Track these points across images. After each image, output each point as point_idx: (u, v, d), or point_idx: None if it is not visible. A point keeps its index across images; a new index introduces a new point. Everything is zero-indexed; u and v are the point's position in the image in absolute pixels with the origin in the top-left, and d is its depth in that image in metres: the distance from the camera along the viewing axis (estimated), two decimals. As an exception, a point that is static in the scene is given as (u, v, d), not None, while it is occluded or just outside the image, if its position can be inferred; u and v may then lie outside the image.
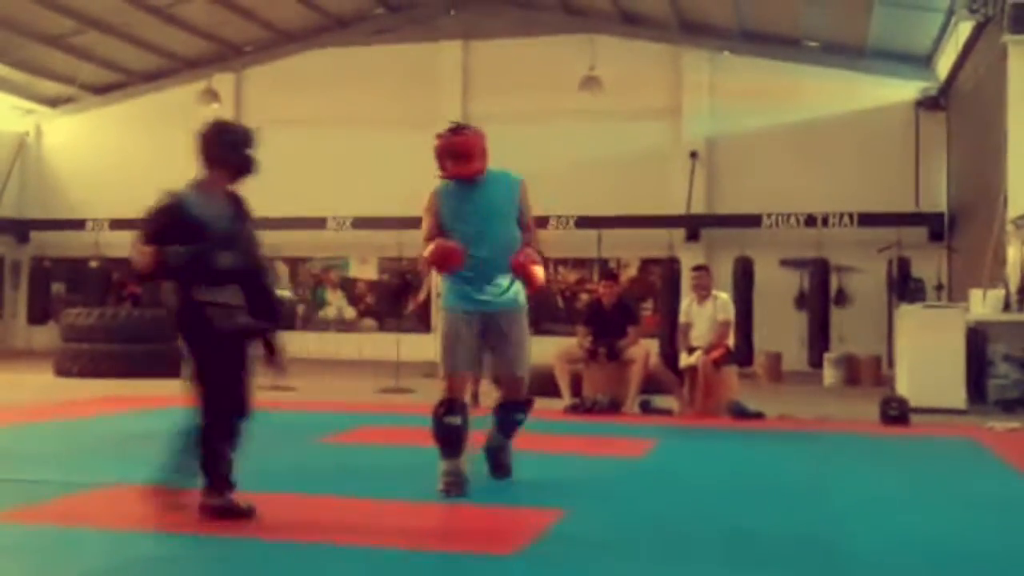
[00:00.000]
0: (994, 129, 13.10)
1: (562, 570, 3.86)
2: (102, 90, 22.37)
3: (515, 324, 5.36)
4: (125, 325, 14.41)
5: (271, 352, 4.53)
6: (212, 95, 20.47)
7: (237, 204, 4.62)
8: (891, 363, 12.78)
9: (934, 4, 15.40)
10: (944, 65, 17.04)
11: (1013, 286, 11.24)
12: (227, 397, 4.44)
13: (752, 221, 18.17)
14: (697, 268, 10.43)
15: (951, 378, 10.27)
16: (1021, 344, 10.86)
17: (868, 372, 15.53)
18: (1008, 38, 12.21)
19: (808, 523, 4.74)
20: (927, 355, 10.40)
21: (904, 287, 13.22)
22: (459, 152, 5.25)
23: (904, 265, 16.35)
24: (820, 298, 17.27)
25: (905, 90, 18.22)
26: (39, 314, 21.50)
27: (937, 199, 17.92)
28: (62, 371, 13.95)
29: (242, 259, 4.44)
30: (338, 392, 12.14)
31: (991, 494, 5.66)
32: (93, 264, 20.86)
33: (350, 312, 21.26)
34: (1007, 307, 10.99)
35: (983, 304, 11.09)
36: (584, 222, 18.58)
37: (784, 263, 18.07)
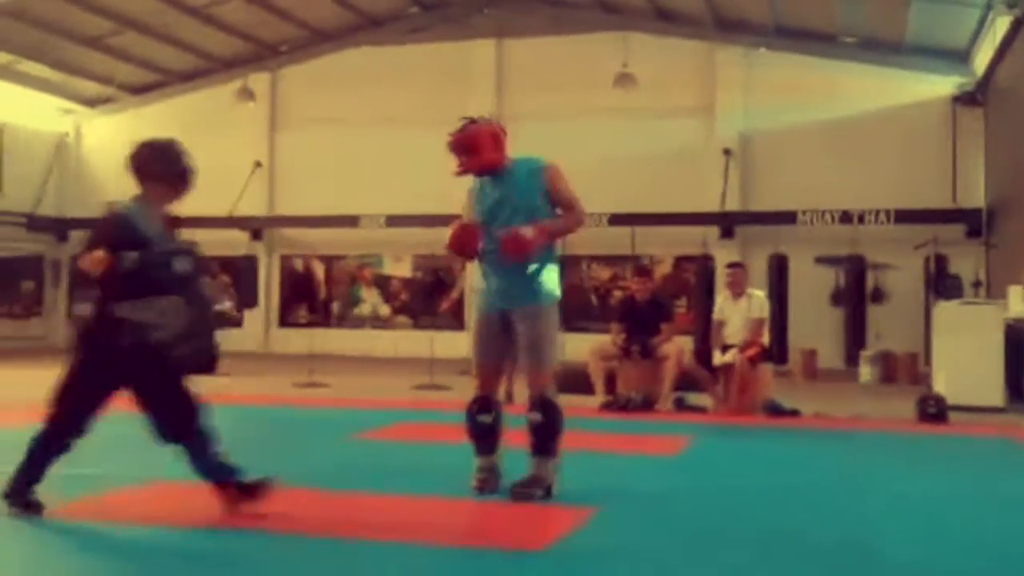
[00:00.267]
0: (1033, 124, 12.95)
1: (593, 568, 3.86)
2: (140, 90, 22.60)
3: (533, 321, 5.13)
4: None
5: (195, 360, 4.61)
6: (248, 94, 20.62)
7: (172, 227, 4.69)
8: (928, 361, 12.66)
9: (972, -1, 15.25)
10: (981, 60, 16.85)
11: (1052, 283, 11.11)
12: (78, 419, 4.48)
13: (787, 218, 18.05)
14: (731, 265, 10.40)
15: (989, 376, 10.18)
16: (1061, 342, 10.73)
17: (905, 370, 15.41)
18: (1047, 33, 12.06)
19: (843, 524, 4.70)
20: (965, 352, 10.31)
21: (941, 284, 13.11)
22: (466, 146, 5.21)
23: (941, 262, 16.19)
24: (856, 295, 17.13)
25: (942, 86, 18.03)
26: (79, 312, 21.76)
27: (975, 195, 17.71)
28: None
29: (192, 266, 4.51)
30: (373, 389, 12.19)
31: (1029, 494, 5.62)
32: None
33: (385, 309, 21.35)
34: (1046, 304, 10.86)
35: (1022, 301, 10.96)
36: (618, 219, 18.55)
37: (819, 260, 17.93)
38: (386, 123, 20.61)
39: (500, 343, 5.25)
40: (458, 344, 14.15)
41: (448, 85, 20.13)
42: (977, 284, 14.87)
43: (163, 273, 4.39)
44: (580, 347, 10.58)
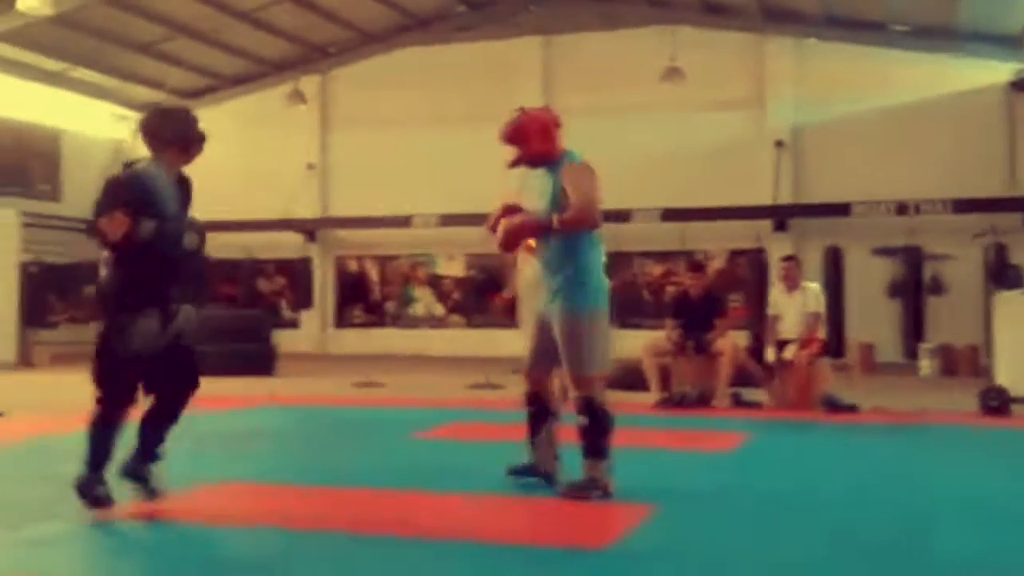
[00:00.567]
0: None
1: (652, 566, 3.87)
2: (192, 95, 22.87)
3: (565, 324, 5.02)
4: (220, 324, 14.75)
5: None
6: (299, 96, 20.82)
7: (185, 188, 4.72)
8: (989, 352, 12.46)
9: (1027, -18, 14.98)
10: (1039, 45, 16.55)
11: (1116, 271, 10.88)
12: (122, 393, 4.53)
13: (841, 210, 17.87)
14: (786, 259, 10.31)
15: (1053, 367, 9.97)
16: None
17: (965, 362, 15.19)
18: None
19: (903, 521, 4.64)
20: (1027, 344, 10.11)
21: (1001, 274, 12.87)
22: (511, 137, 5.22)
23: (1001, 251, 15.92)
24: (914, 287, 16.91)
25: (998, 72, 17.74)
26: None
27: (1034, 183, 17.42)
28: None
29: (198, 242, 4.57)
30: (429, 388, 12.26)
31: (1096, 487, 5.52)
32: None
33: (439, 309, 21.45)
34: (1110, 293, 10.63)
35: (1085, 290, 10.74)
36: (669, 215, 18.48)
37: (875, 252, 17.73)
38: (435, 122, 20.71)
39: (541, 341, 5.22)
40: (512, 342, 14.19)
41: (496, 83, 20.16)
42: (1038, 273, 14.60)
43: (173, 248, 4.46)
44: (634, 344, 10.55)
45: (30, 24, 17.18)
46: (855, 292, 16.57)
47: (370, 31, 21.39)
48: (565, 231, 4.99)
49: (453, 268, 21.34)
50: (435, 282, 21.47)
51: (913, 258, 16.97)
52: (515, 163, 5.29)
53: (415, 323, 21.49)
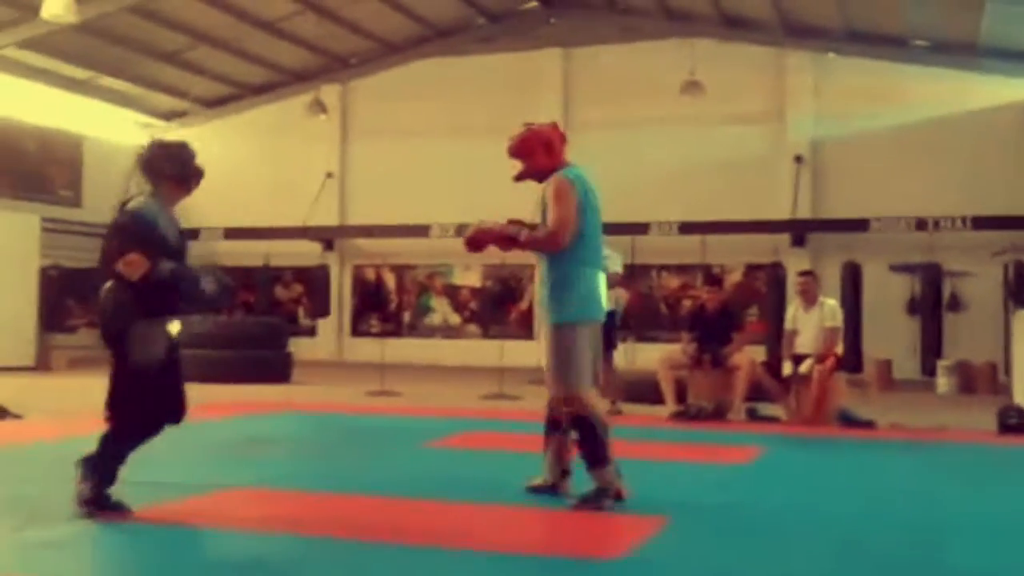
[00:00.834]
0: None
1: (667, 577, 3.86)
2: (214, 103, 23.04)
3: (550, 338, 5.06)
4: (237, 331, 14.83)
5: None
6: (320, 106, 20.91)
7: (178, 221, 4.81)
8: (1008, 370, 12.40)
9: (1050, -1, 14.92)
10: (1061, 62, 16.49)
11: None
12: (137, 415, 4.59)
13: (860, 225, 17.82)
14: (803, 274, 10.27)
15: (1072, 386, 9.93)
16: None
17: (984, 380, 15.09)
18: None
19: (918, 538, 4.61)
20: (1046, 362, 10.08)
21: (1021, 292, 12.83)
22: (516, 151, 5.30)
23: (1020, 269, 15.82)
24: (932, 304, 16.82)
25: (1019, 89, 17.66)
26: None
27: (1055, 200, 17.32)
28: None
29: (217, 287, 4.65)
30: (444, 398, 12.27)
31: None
32: (206, 272, 21.48)
33: (455, 318, 21.48)
34: None
35: (1105, 309, 10.70)
36: (687, 228, 18.46)
37: (894, 268, 17.66)
38: (455, 133, 20.77)
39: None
40: (528, 353, 14.18)
41: (516, 95, 20.21)
42: (1058, 291, 14.53)
43: (191, 288, 4.54)
44: (650, 356, 10.54)
45: (55, 32, 17.33)
46: (873, 308, 16.49)
47: (391, 42, 21.49)
48: (530, 249, 5.11)
49: (470, 278, 21.37)
50: (452, 292, 21.50)
51: (932, 275, 16.90)
52: (520, 177, 5.37)
53: (431, 332, 21.52)
